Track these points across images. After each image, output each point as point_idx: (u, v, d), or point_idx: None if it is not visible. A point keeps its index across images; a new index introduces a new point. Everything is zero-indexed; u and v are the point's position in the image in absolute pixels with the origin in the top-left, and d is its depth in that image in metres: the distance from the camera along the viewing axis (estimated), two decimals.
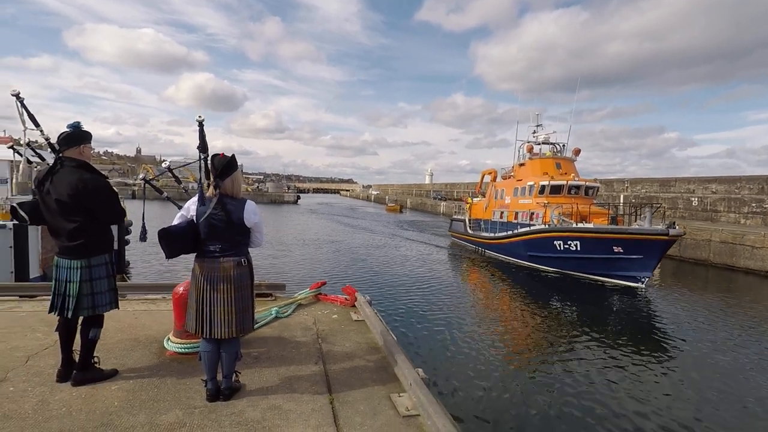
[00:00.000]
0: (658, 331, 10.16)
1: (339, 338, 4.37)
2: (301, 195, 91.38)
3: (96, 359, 3.21)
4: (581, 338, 9.34)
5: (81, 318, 3.12)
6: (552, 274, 16.29)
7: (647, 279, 14.00)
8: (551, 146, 21.43)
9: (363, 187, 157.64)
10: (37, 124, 3.73)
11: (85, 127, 3.16)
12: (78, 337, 3.15)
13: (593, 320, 10.86)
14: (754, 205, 22.63)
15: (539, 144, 21.64)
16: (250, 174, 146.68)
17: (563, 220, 15.90)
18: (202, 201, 2.92)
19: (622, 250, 13.91)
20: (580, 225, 14.98)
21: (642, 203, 20.43)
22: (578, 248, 15.00)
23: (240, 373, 3.22)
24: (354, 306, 5.47)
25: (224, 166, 2.93)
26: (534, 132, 22.69)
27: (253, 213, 3.01)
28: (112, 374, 3.23)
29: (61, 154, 3.05)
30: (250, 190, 73.23)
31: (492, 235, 20.23)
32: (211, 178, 2.99)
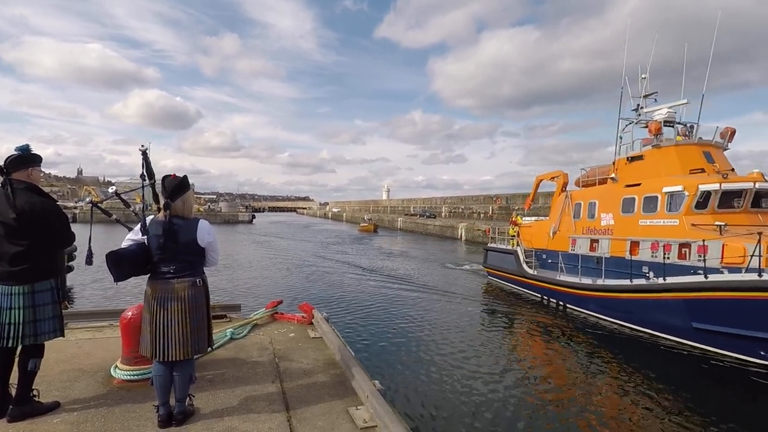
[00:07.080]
0: None
1: (296, 356, 4.36)
2: (256, 214, 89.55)
3: (35, 392, 3.04)
4: None
5: (19, 348, 2.96)
6: (754, 367, 7.98)
7: None
8: (676, 127, 12.04)
9: (320, 204, 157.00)
10: None
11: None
12: (15, 369, 2.97)
13: None
14: None
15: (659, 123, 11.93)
16: (202, 194, 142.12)
17: None
18: (144, 227, 2.88)
19: None
20: None
21: None
22: None
23: (194, 396, 3.16)
24: (311, 323, 5.47)
25: (174, 187, 2.92)
26: (638, 107, 13.12)
27: (206, 233, 3.00)
28: (53, 407, 3.06)
29: (8, 177, 2.94)
30: (201, 210, 70.81)
31: (588, 282, 11.65)
32: (161, 200, 2.97)
